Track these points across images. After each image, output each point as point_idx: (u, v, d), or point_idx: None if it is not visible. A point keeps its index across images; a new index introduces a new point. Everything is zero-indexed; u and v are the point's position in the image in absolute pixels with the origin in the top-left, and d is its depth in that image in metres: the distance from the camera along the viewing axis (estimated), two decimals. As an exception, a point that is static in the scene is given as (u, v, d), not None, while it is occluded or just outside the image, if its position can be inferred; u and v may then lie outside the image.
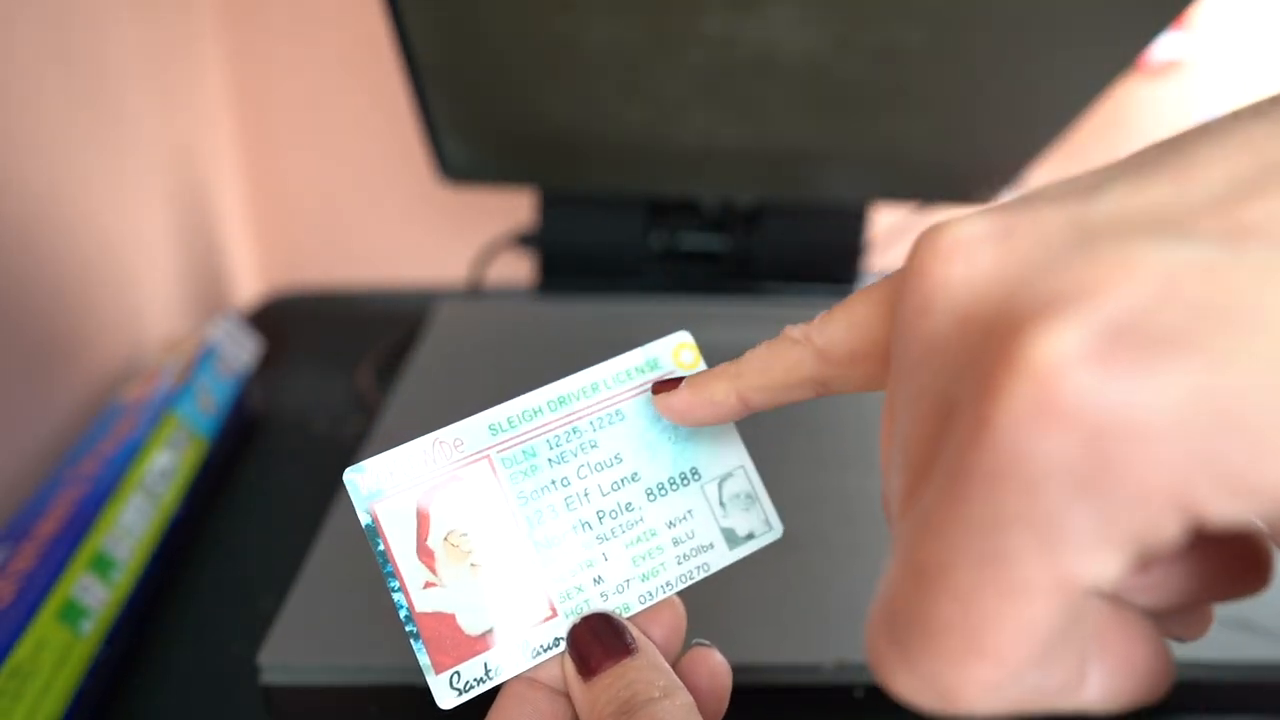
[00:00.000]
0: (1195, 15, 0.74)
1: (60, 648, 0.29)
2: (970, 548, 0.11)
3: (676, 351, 0.21)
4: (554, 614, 0.19)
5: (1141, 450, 0.10)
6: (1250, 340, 0.09)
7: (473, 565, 0.19)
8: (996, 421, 0.11)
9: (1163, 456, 0.10)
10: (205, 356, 0.45)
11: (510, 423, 0.20)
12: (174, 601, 0.36)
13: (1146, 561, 0.11)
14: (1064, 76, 0.48)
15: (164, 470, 0.38)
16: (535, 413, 0.20)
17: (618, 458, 0.20)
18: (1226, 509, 0.10)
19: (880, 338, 0.16)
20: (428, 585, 0.19)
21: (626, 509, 0.20)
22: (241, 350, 0.49)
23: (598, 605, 0.20)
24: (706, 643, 0.20)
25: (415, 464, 0.19)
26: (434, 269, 0.74)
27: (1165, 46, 0.73)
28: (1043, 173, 0.76)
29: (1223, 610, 0.30)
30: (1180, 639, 0.15)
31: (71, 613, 0.30)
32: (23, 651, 0.27)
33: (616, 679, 0.18)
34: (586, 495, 0.20)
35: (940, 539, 0.12)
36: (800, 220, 0.61)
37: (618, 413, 0.20)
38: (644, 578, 0.20)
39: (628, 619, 0.20)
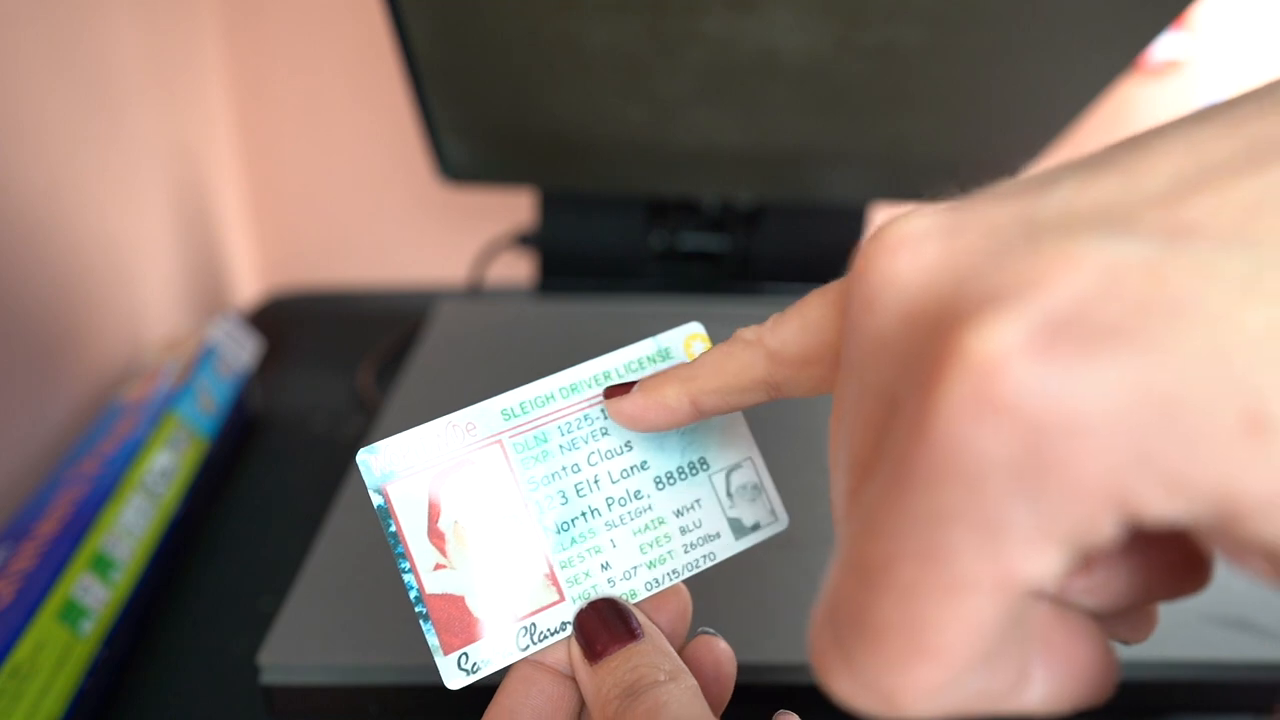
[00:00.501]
0: (1195, 15, 0.74)
1: (60, 648, 0.29)
2: (912, 544, 0.11)
3: (688, 342, 0.21)
4: (561, 599, 0.19)
5: (1079, 444, 0.10)
6: (1188, 337, 0.09)
7: (483, 548, 0.19)
8: (937, 415, 0.10)
9: (1099, 451, 0.10)
10: (205, 356, 0.45)
11: (523, 408, 0.20)
12: (174, 601, 0.36)
13: (1087, 560, 0.11)
14: (1064, 76, 0.48)
15: (164, 470, 0.38)
16: (547, 399, 0.20)
17: (628, 445, 0.20)
18: (1163, 507, 0.10)
19: (832, 340, 0.16)
20: (438, 567, 0.19)
21: (635, 496, 0.20)
22: (242, 350, 0.49)
23: (605, 591, 0.20)
24: (712, 631, 0.20)
25: (428, 447, 0.19)
26: (434, 269, 0.74)
27: (1165, 46, 0.73)
28: (1043, 173, 0.76)
29: (1223, 610, 0.31)
30: (1126, 641, 0.15)
31: (71, 613, 0.30)
32: (23, 651, 0.27)
33: (622, 663, 0.18)
34: (596, 482, 0.20)
35: (882, 536, 0.11)
36: (800, 220, 0.61)
37: None
38: (651, 565, 0.20)
39: (634, 605, 0.20)
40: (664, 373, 0.19)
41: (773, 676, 0.29)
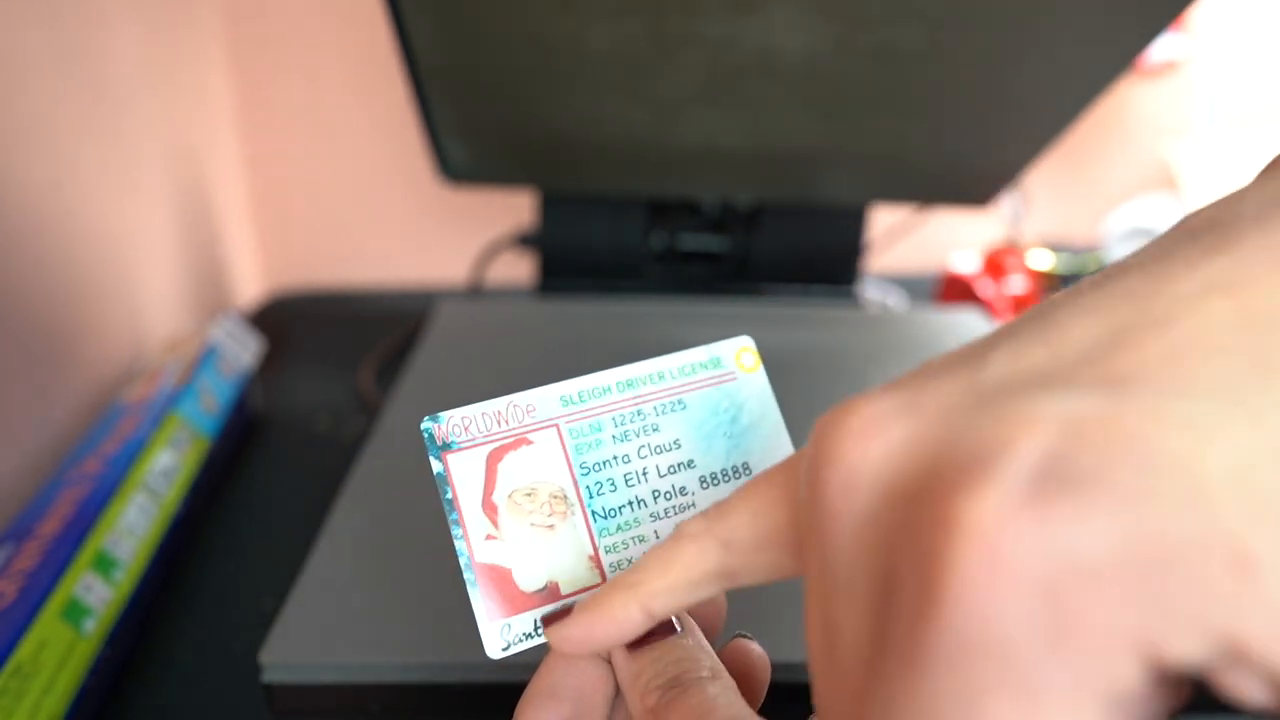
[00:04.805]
0: (1192, 16, 0.74)
1: (63, 647, 0.29)
2: None
3: (739, 354, 0.22)
4: (604, 581, 0.20)
5: (1094, 594, 0.10)
6: (1164, 483, 0.10)
7: (532, 525, 0.20)
8: (948, 590, 0.10)
9: (1115, 598, 0.10)
10: (207, 356, 0.45)
11: (580, 397, 0.21)
12: (176, 600, 0.36)
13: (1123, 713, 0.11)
14: (1063, 77, 0.48)
15: (166, 470, 0.38)
16: (604, 390, 0.21)
17: (676, 443, 0.21)
18: (1182, 649, 0.10)
19: (784, 524, 0.16)
20: (489, 538, 0.20)
21: (680, 492, 0.21)
22: (243, 350, 0.50)
23: None
24: (748, 635, 0.21)
25: (489, 422, 0.20)
26: (434, 269, 0.74)
27: (1163, 47, 0.73)
28: (1041, 172, 0.77)
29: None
30: None
31: (74, 612, 0.30)
32: (25, 650, 0.27)
33: (664, 653, 0.18)
34: (644, 474, 0.21)
35: None
36: (800, 220, 0.61)
37: (680, 402, 0.21)
38: None
39: None
40: (603, 589, 0.18)
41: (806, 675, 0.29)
